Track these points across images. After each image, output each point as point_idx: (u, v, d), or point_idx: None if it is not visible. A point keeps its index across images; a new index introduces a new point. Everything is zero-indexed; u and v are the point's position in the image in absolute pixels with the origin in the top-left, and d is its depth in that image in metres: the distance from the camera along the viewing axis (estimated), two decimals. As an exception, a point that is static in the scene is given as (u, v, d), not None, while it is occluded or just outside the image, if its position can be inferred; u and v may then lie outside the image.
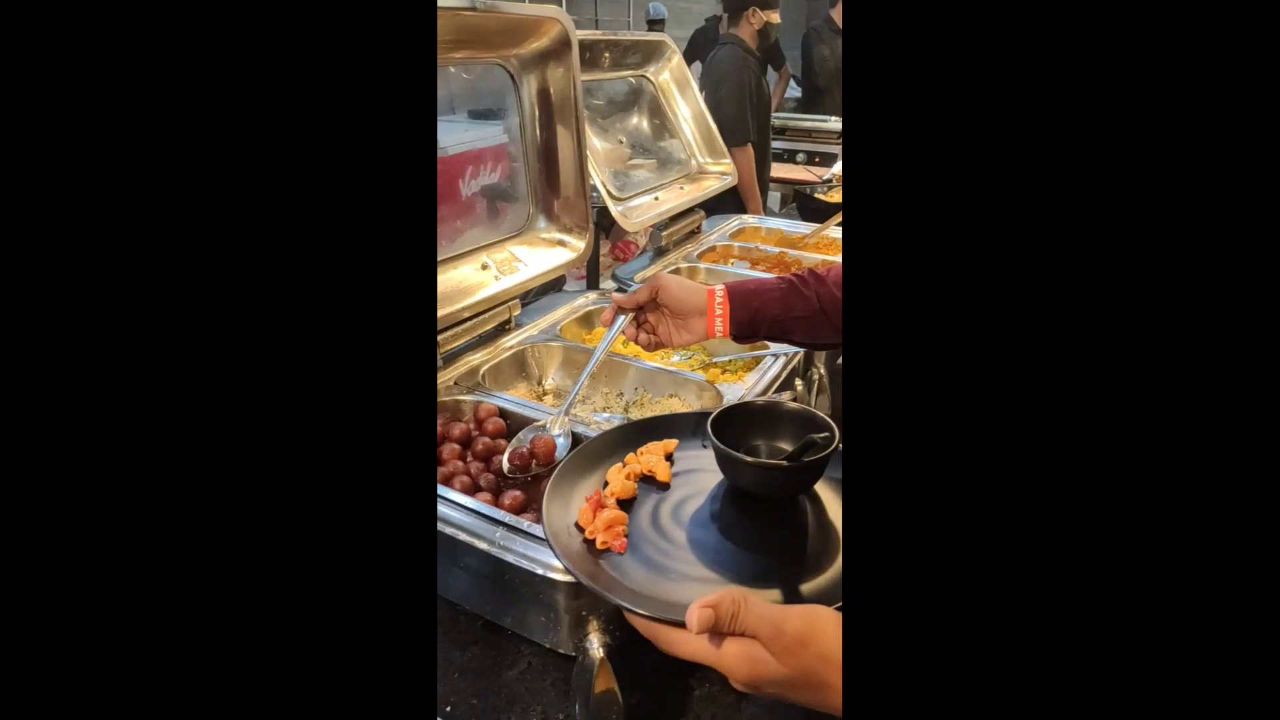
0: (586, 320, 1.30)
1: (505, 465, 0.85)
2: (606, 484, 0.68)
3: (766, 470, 0.64)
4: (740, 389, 1.05)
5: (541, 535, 0.68)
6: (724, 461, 0.66)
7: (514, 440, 0.88)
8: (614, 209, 1.38)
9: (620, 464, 0.71)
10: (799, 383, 1.22)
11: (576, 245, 1.24)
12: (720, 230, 1.77)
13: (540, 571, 0.70)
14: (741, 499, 0.67)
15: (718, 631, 0.42)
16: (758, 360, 1.15)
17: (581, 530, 0.63)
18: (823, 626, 0.42)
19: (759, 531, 0.63)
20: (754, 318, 0.85)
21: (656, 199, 1.55)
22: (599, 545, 0.61)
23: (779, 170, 3.00)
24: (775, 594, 0.55)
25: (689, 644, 0.44)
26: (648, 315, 0.88)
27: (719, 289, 0.86)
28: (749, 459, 0.64)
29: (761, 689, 0.43)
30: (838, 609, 0.44)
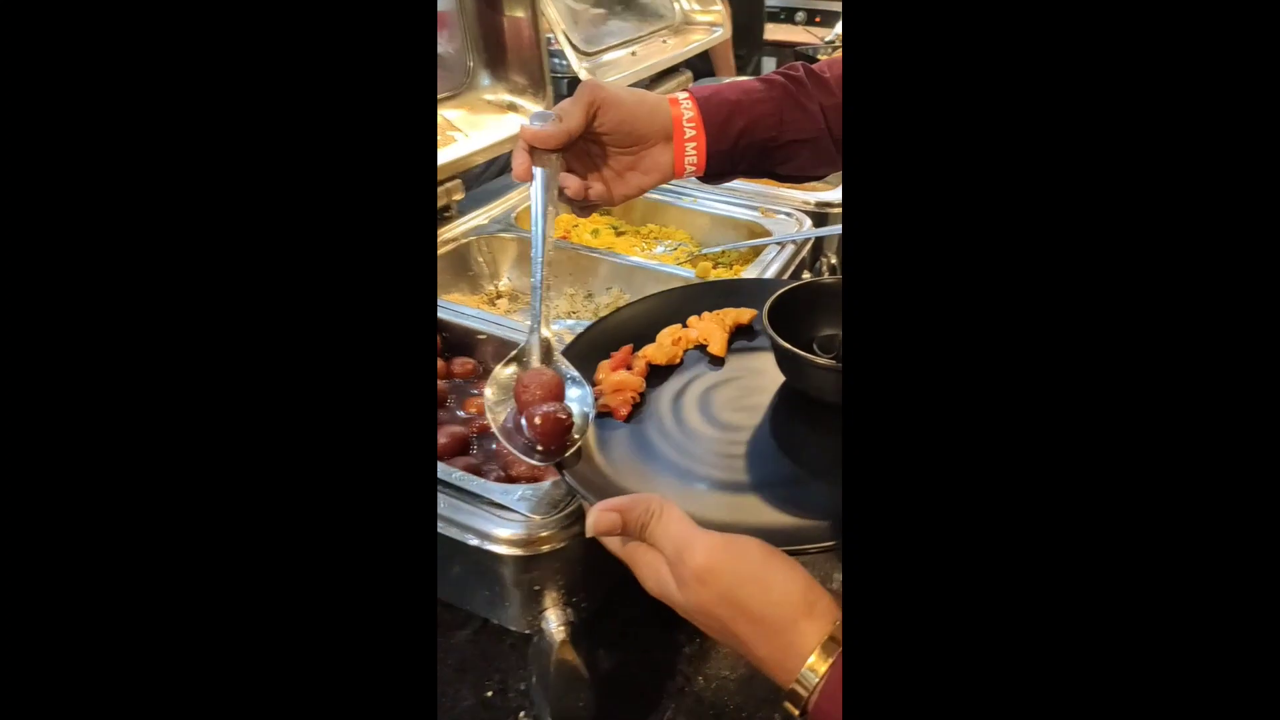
0: (550, 205, 1.07)
1: (515, 443, 0.50)
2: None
3: (811, 369, 0.49)
4: (737, 287, 0.84)
5: (477, 492, 0.54)
6: (777, 353, 0.52)
7: (495, 385, 0.53)
8: (578, 66, 1.13)
9: (681, 324, 0.61)
10: (807, 276, 1.01)
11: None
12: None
13: (475, 542, 0.52)
14: (796, 402, 0.54)
15: (626, 536, 0.39)
16: (757, 251, 0.95)
17: (595, 384, 0.56)
18: (729, 564, 0.36)
19: (789, 442, 0.51)
20: (737, 144, 0.58)
21: (634, 54, 1.28)
22: (599, 407, 0.54)
23: (774, 31, 2.66)
24: (759, 518, 0.45)
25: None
26: (574, 160, 0.57)
27: (681, 95, 0.58)
28: (793, 349, 0.50)
29: (674, 608, 0.39)
30: (791, 551, 0.38)
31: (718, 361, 0.59)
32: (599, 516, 0.38)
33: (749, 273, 0.88)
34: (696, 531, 0.37)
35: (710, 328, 0.61)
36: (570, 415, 0.49)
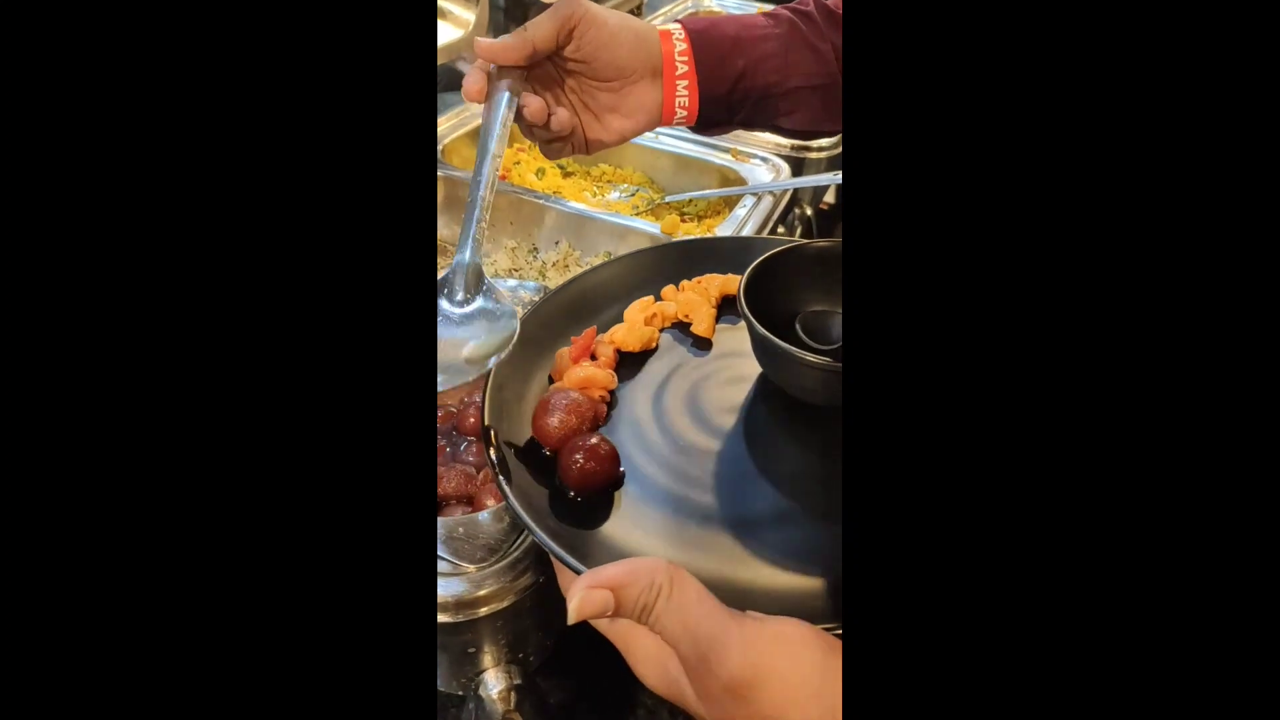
0: (484, 136, 0.91)
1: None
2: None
3: (803, 368, 0.38)
4: (710, 246, 0.72)
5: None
6: (756, 345, 0.42)
7: None
8: (520, -34, 0.94)
9: (653, 297, 0.49)
10: (781, 230, 0.89)
11: (462, 17, 0.83)
12: (667, 10, 1.33)
13: (390, 599, 0.39)
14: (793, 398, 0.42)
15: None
16: (731, 201, 0.82)
17: (551, 383, 0.44)
18: (777, 672, 0.26)
19: (799, 453, 0.40)
20: (735, 89, 0.50)
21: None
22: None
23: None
24: (773, 579, 0.33)
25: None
26: (544, 92, 0.49)
27: (673, 26, 0.50)
28: (775, 340, 0.38)
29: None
30: (833, 630, 0.29)
31: (702, 343, 0.47)
32: (585, 597, 0.28)
33: (722, 228, 0.75)
34: (725, 620, 0.27)
35: (693, 301, 0.49)
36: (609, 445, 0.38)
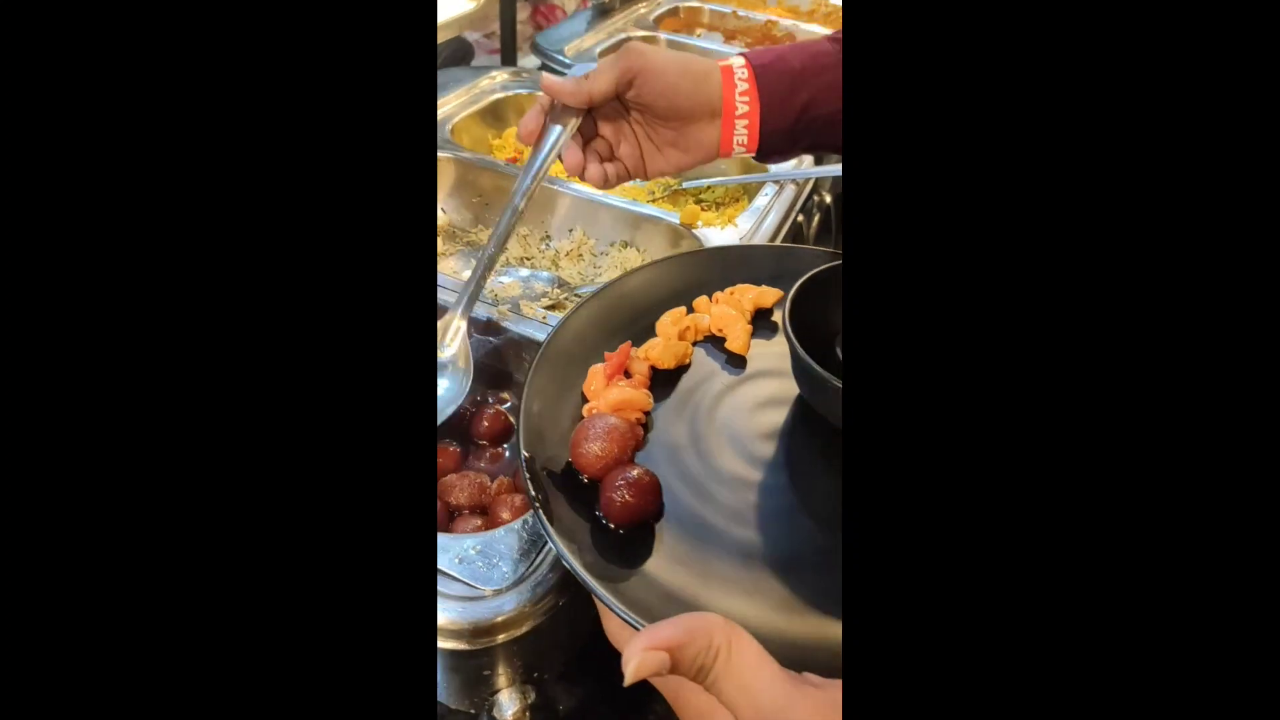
0: (494, 113, 0.87)
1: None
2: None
3: (832, 393, 0.36)
4: (731, 237, 0.69)
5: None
6: (798, 371, 0.39)
7: None
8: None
9: (685, 309, 0.47)
10: (800, 218, 0.86)
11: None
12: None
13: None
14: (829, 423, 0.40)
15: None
16: (751, 190, 0.78)
17: (585, 402, 0.41)
18: None
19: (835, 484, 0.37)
20: (798, 121, 0.51)
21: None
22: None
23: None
24: (824, 629, 0.31)
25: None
26: (604, 123, 0.51)
27: (736, 62, 0.50)
28: (828, 375, 0.36)
29: None
30: None
31: (736, 360, 0.45)
32: (643, 659, 0.26)
33: (744, 218, 0.72)
34: (786, 687, 0.26)
35: (727, 315, 0.46)
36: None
